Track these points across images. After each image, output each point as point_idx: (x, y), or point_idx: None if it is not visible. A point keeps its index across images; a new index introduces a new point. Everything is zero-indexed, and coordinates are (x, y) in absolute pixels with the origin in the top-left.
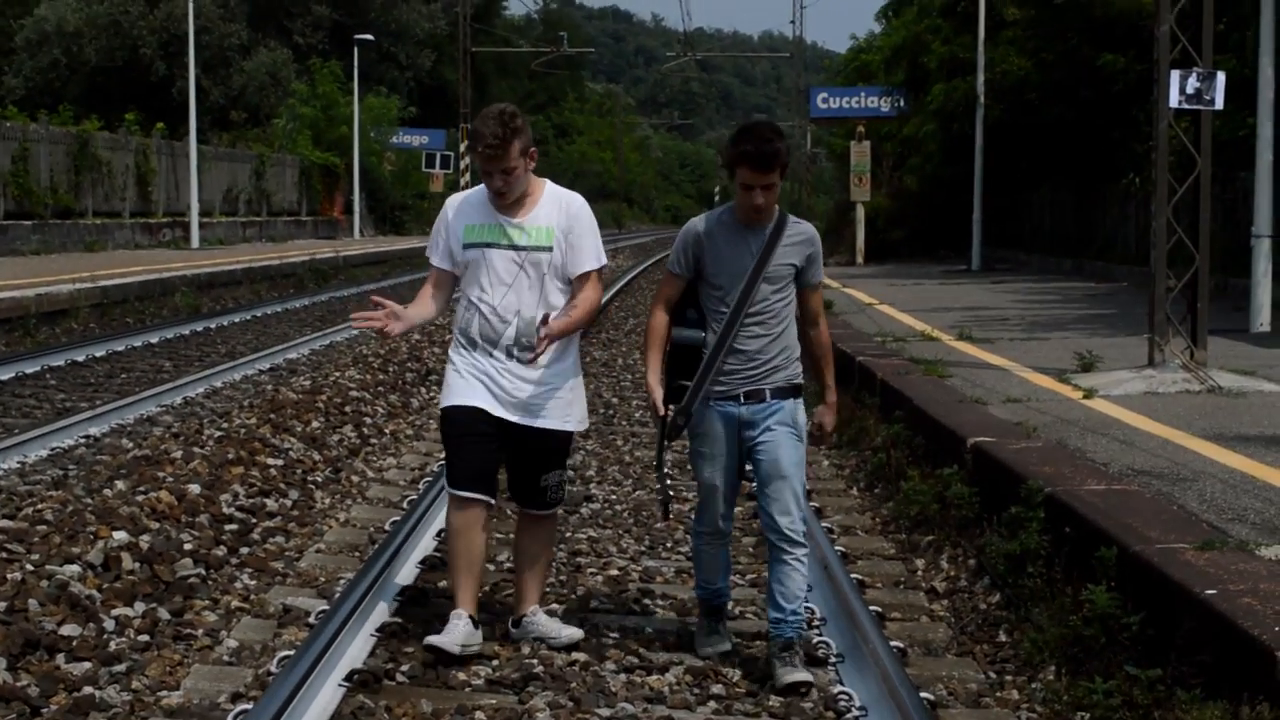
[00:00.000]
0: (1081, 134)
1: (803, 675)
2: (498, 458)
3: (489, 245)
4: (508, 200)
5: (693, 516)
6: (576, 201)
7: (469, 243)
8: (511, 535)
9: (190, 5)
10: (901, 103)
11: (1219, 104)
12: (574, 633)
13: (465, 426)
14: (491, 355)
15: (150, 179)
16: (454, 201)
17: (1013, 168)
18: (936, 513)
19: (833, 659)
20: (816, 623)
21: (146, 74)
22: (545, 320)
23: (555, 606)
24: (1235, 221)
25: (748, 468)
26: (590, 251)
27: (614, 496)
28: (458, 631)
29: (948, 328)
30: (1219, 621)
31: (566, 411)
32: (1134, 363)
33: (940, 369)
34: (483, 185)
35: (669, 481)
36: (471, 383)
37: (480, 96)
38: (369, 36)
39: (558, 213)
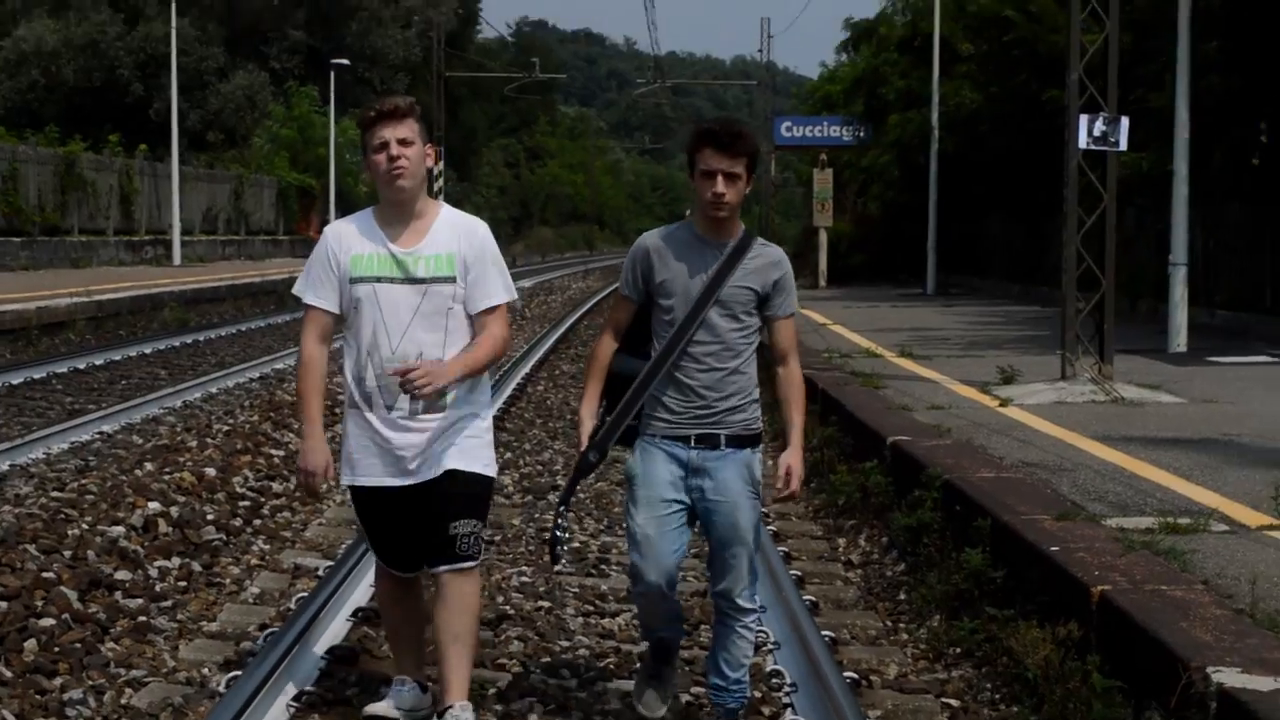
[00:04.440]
0: (1028, 165)
1: None
2: (417, 527)
3: (381, 279)
4: (406, 187)
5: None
6: (480, 228)
7: (357, 276)
8: None
9: (174, 28)
10: (861, 133)
11: (1123, 145)
12: None
13: (375, 509)
14: (391, 410)
15: (133, 198)
16: (336, 228)
17: (967, 196)
18: (859, 500)
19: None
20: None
21: (123, 95)
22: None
23: (526, 569)
24: (1165, 250)
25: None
26: (497, 283)
27: (579, 487)
28: (403, 698)
29: (892, 346)
30: (1056, 570)
31: (476, 454)
32: (1052, 377)
33: (876, 381)
34: (367, 210)
35: (562, 522)
36: (370, 456)
37: (454, 120)
38: (344, 61)
39: (458, 239)
